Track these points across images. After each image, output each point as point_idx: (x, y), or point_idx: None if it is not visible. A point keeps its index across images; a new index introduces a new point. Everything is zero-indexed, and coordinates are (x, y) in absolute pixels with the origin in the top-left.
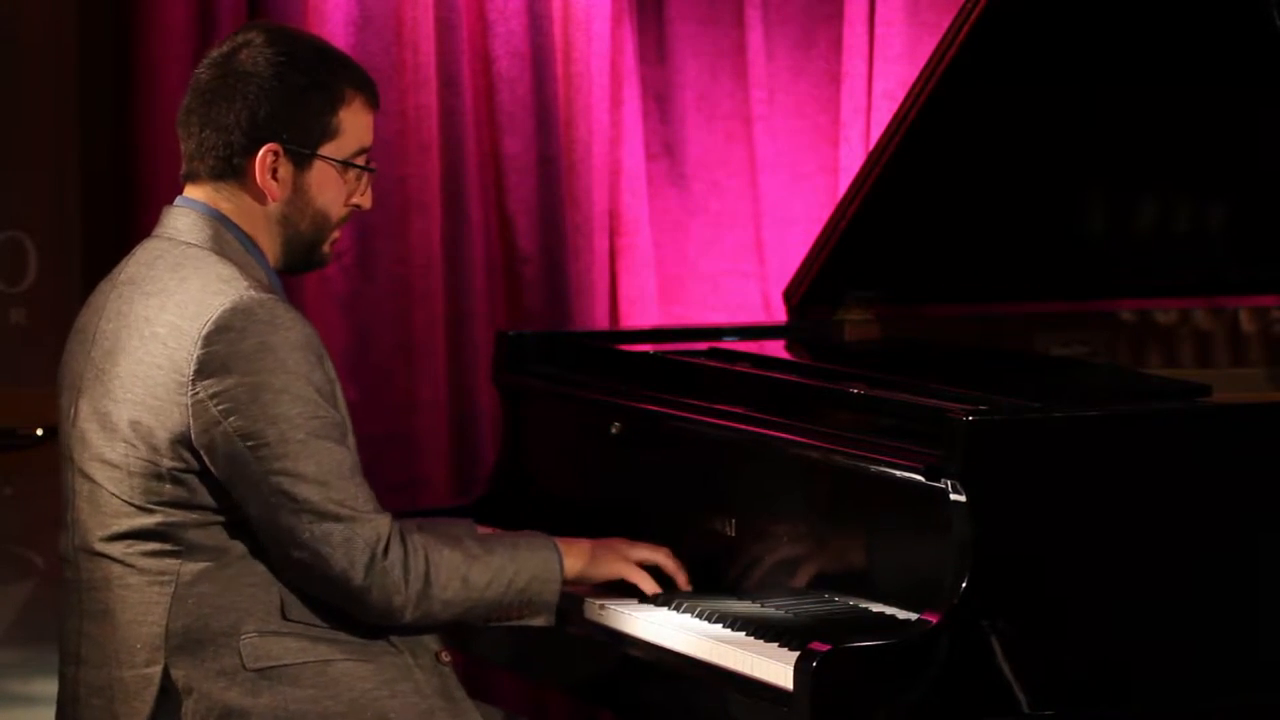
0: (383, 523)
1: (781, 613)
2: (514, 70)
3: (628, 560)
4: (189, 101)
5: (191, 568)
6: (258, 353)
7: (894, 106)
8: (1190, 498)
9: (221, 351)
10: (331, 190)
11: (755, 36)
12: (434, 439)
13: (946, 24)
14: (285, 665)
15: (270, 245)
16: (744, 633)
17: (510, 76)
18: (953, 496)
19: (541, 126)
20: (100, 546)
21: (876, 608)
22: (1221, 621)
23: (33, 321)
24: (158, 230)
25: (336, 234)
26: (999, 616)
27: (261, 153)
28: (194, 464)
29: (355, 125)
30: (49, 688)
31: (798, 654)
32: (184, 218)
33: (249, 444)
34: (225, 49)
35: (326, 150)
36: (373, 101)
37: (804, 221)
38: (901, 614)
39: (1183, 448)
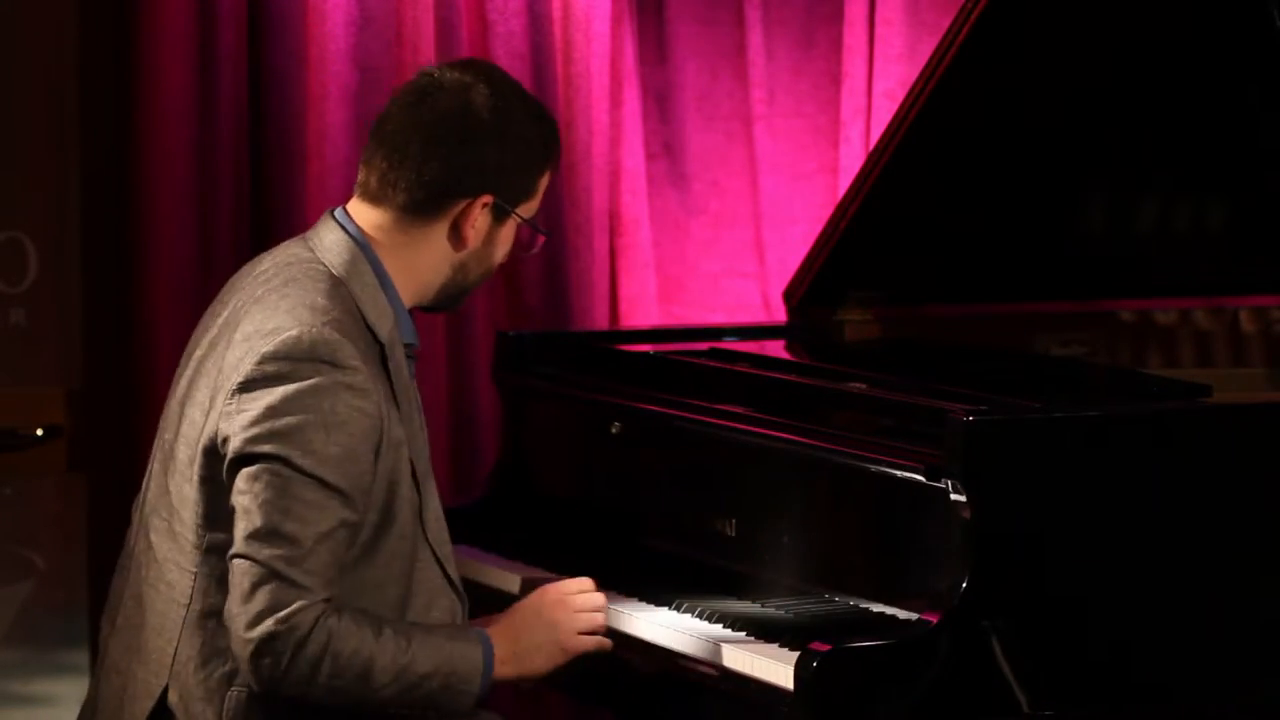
0: (310, 601)
1: (781, 613)
2: (514, 70)
3: (566, 648)
4: (408, 118)
5: (202, 600)
6: (296, 391)
7: (894, 106)
8: (1190, 498)
9: (269, 373)
10: (507, 245)
11: (755, 36)
12: (434, 439)
13: (946, 24)
14: None
15: (420, 283)
16: (744, 633)
17: None
18: (953, 496)
19: None
20: (152, 535)
21: (877, 608)
22: (1221, 621)
23: (33, 321)
24: (310, 233)
25: None
26: (999, 616)
27: (477, 202)
28: (216, 472)
29: (544, 186)
30: (49, 688)
31: (798, 654)
32: (332, 233)
33: (248, 467)
34: (456, 80)
35: (522, 209)
36: (558, 163)
37: (804, 221)
38: (902, 614)
39: (1183, 448)
